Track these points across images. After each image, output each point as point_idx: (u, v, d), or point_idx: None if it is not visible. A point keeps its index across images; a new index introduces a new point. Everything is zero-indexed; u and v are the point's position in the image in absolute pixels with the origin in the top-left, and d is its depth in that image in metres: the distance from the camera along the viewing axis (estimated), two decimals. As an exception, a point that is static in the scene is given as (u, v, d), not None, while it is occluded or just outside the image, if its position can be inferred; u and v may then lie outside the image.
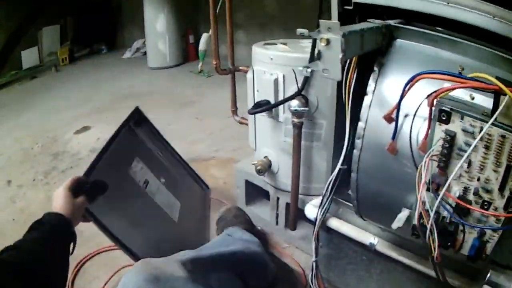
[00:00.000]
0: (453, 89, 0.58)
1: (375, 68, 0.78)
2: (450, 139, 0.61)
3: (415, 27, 0.78)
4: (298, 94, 1.06)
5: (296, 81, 1.05)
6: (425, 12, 0.78)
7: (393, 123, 0.72)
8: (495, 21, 0.69)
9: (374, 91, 0.77)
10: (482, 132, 0.57)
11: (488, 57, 0.69)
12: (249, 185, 1.35)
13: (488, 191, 0.62)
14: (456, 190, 0.65)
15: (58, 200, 0.77)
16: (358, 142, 0.81)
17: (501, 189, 0.60)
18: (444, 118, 0.62)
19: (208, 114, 2.53)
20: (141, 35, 4.33)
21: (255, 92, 1.17)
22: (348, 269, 1.03)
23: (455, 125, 0.61)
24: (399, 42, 0.79)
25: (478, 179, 0.62)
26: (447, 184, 0.63)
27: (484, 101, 0.61)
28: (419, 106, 0.67)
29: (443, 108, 0.61)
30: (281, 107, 1.13)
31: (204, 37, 1.67)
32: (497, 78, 0.54)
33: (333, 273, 1.05)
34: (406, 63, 0.76)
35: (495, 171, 0.60)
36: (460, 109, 0.60)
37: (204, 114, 2.55)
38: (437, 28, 0.79)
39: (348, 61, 0.84)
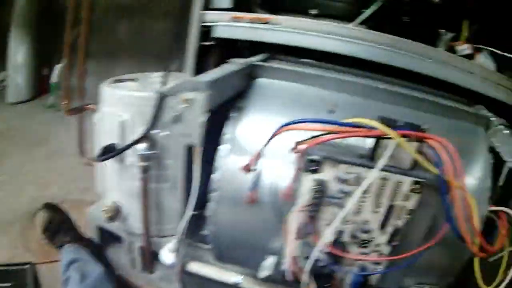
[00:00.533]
0: (327, 140, 0.57)
1: (232, 114, 0.72)
2: (321, 189, 0.60)
3: (283, 61, 0.77)
4: (145, 136, 0.92)
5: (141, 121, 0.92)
6: (290, 45, 0.77)
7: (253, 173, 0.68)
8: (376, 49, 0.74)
9: (231, 139, 0.72)
10: (364, 185, 0.57)
11: (365, 91, 0.71)
12: (102, 230, 1.21)
13: (366, 232, 0.63)
14: (329, 234, 0.64)
15: None
16: (214, 195, 0.75)
17: (383, 227, 0.63)
18: (312, 168, 0.60)
19: (60, 153, 2.25)
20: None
21: (102, 134, 1.05)
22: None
23: (327, 174, 0.60)
24: (259, 81, 0.77)
25: (355, 222, 0.63)
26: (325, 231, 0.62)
27: (359, 139, 0.61)
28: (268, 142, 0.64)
29: (312, 158, 0.59)
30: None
31: (57, 68, 1.44)
32: (381, 119, 0.55)
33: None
34: (268, 106, 0.74)
35: (375, 212, 0.61)
36: (333, 156, 0.59)
37: (57, 153, 2.28)
38: (307, 60, 0.79)
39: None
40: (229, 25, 0.84)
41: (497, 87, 0.85)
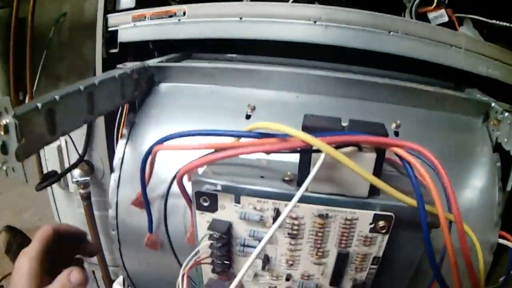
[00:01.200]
0: (212, 161, 0.36)
1: (124, 131, 0.53)
2: (221, 235, 0.39)
3: (202, 59, 0.57)
4: (80, 161, 0.88)
5: (75, 146, 0.88)
6: (209, 38, 0.57)
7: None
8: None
9: (121, 165, 0.50)
10: (278, 222, 0.37)
11: (304, 83, 0.51)
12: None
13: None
14: None
15: None
16: (113, 234, 0.54)
17: (336, 283, 0.40)
18: (206, 204, 0.39)
19: (35, 178, 2.15)
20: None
21: (46, 161, 1.04)
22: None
23: (228, 212, 0.39)
24: (163, 87, 0.56)
25: (289, 278, 0.41)
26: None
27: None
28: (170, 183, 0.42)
29: (202, 190, 0.38)
30: (69, 176, 0.96)
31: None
32: (310, 119, 0.35)
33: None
34: (171, 116, 0.52)
35: (317, 263, 0.39)
36: (233, 185, 0.37)
37: (32, 178, 2.20)
38: (233, 55, 0.58)
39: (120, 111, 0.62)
40: (130, 27, 0.66)
41: (491, 63, 0.63)
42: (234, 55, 0.63)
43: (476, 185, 0.50)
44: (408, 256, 0.39)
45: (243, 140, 0.38)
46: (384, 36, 0.57)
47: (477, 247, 0.42)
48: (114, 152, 0.56)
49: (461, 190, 0.50)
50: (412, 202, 0.34)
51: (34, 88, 1.20)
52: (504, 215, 0.51)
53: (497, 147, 0.53)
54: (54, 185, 1.03)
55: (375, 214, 0.36)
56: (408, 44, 0.58)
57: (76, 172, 0.87)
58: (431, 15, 0.67)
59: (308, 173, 0.34)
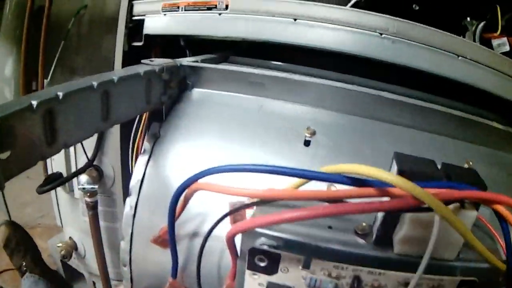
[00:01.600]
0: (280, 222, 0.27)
1: (146, 146, 0.42)
2: None
3: (242, 64, 0.47)
4: (89, 166, 0.79)
5: (83, 149, 0.77)
6: (255, 40, 0.47)
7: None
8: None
9: (140, 188, 0.40)
10: None
11: (365, 102, 0.41)
12: (67, 266, 1.14)
13: None
14: None
15: None
16: (124, 270, 0.43)
17: None
18: (262, 265, 0.29)
19: (40, 172, 2.10)
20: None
21: (52, 161, 0.99)
22: None
23: (291, 277, 0.29)
24: (198, 93, 0.46)
25: None
26: None
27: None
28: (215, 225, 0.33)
29: (260, 247, 0.28)
30: (75, 181, 0.87)
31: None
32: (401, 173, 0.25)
33: None
34: (207, 133, 0.43)
35: None
36: (303, 242, 0.28)
37: (36, 172, 2.13)
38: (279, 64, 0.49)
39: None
40: (160, 17, 0.56)
41: None
42: (281, 64, 0.53)
43: None
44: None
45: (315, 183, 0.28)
46: (453, 60, 0.47)
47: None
48: (128, 159, 0.47)
49: None
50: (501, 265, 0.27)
51: (48, 80, 1.12)
52: None
53: None
54: (59, 189, 0.97)
55: (461, 281, 0.27)
56: (475, 72, 0.48)
57: (83, 178, 0.78)
58: (495, 42, 0.57)
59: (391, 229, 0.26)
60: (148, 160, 0.44)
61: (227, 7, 0.49)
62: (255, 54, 0.58)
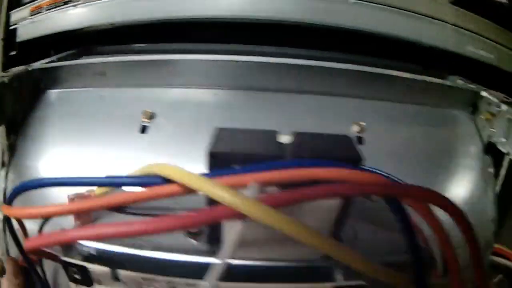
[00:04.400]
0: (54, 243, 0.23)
1: (3, 161, 0.40)
2: None
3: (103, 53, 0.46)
4: None
5: None
6: (106, 24, 0.44)
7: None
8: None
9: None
10: None
11: (215, 71, 0.37)
12: None
13: None
14: None
15: None
16: None
17: None
18: (78, 277, 0.25)
19: None
20: None
21: None
22: None
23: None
24: (51, 94, 0.42)
25: None
26: None
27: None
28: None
29: (68, 260, 0.25)
30: None
31: None
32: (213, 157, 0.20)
33: None
34: (58, 135, 0.39)
35: None
36: (107, 251, 0.24)
37: None
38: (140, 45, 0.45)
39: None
40: (28, 22, 0.52)
41: (485, 43, 0.51)
42: (144, 45, 0.49)
43: (461, 197, 0.39)
44: None
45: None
46: (339, 5, 0.43)
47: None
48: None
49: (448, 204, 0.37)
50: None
51: None
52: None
53: (490, 148, 0.42)
54: None
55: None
56: (372, 16, 0.44)
57: None
58: None
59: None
60: (7, 174, 0.41)
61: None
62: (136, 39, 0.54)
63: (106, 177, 0.23)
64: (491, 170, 0.41)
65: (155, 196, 0.21)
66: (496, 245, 0.42)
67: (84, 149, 0.36)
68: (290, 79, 0.38)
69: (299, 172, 0.18)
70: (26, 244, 0.24)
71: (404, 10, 0.45)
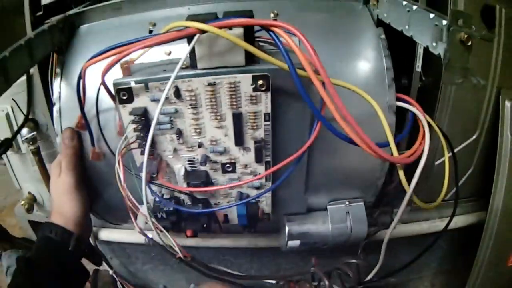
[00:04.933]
0: (116, 62, 0.47)
1: (57, 70, 0.64)
2: (140, 118, 0.50)
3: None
4: (26, 121, 0.93)
5: (19, 108, 0.93)
6: None
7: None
8: None
9: (59, 98, 0.63)
10: (165, 92, 0.44)
11: None
12: (35, 224, 1.24)
13: (223, 153, 0.54)
14: (180, 167, 0.55)
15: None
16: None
17: (239, 143, 0.52)
18: (125, 98, 0.50)
19: None
20: None
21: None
22: (147, 269, 1.02)
23: (142, 100, 0.50)
24: (83, 29, 0.66)
25: (201, 145, 0.53)
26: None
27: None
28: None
29: (120, 87, 0.49)
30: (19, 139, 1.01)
31: None
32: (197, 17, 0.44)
33: (135, 276, 1.03)
34: (92, 51, 0.61)
35: (219, 127, 0.51)
36: (142, 78, 0.49)
37: None
38: None
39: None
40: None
41: None
42: None
43: (364, 56, 0.60)
44: (297, 114, 0.52)
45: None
46: None
47: (374, 106, 0.53)
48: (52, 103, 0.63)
49: (349, 62, 0.60)
50: (282, 64, 0.44)
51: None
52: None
53: (380, 23, 0.62)
54: (9, 153, 1.06)
55: (253, 76, 0.46)
56: None
57: (24, 131, 0.93)
58: None
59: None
60: (61, 79, 0.64)
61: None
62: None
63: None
64: (383, 36, 0.61)
65: (178, 36, 0.44)
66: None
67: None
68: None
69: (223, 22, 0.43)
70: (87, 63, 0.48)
71: None
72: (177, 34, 0.44)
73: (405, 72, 0.70)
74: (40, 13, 0.76)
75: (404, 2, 0.52)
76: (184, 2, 0.63)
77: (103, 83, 0.50)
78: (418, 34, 0.49)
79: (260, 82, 0.48)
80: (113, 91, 0.49)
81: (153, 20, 0.61)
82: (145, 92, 0.49)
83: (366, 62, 0.61)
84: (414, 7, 0.49)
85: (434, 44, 0.44)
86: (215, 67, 0.47)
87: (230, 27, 0.43)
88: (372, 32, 0.62)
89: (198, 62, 0.47)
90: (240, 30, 0.44)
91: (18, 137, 0.94)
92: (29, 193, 1.14)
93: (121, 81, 0.48)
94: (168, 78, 0.44)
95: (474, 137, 0.75)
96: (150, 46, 0.45)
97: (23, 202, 1.12)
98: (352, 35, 0.62)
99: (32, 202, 1.12)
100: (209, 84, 0.48)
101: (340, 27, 0.63)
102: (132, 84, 0.48)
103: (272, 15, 0.61)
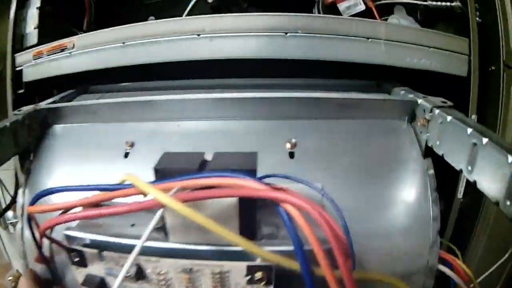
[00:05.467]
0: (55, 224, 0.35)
1: (20, 182, 0.51)
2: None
3: (99, 93, 0.57)
4: (13, 202, 0.81)
5: (6, 190, 0.88)
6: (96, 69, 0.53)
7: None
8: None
9: (22, 215, 0.50)
10: (123, 272, 0.29)
11: (177, 107, 0.47)
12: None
13: None
14: None
15: None
16: None
17: None
18: (77, 260, 0.36)
19: None
20: None
21: None
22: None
23: (97, 267, 0.36)
24: (56, 129, 0.53)
25: None
26: None
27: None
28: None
29: (70, 246, 0.36)
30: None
31: None
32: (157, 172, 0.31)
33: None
34: (61, 161, 0.50)
35: None
36: (95, 239, 0.35)
37: None
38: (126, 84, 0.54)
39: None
40: (32, 65, 0.62)
41: (424, 51, 0.57)
42: (129, 84, 0.59)
43: (403, 200, 0.45)
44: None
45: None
46: (280, 39, 0.51)
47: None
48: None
49: (383, 208, 0.44)
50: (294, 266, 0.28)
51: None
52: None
53: (429, 152, 0.47)
54: None
55: (248, 266, 0.31)
56: (309, 44, 0.52)
57: (9, 213, 0.88)
58: (341, 6, 0.61)
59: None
60: (24, 191, 0.51)
61: (74, 45, 0.55)
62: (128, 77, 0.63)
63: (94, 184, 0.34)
64: (431, 171, 0.45)
65: (123, 195, 0.32)
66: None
67: (81, 169, 0.46)
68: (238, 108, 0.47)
69: (203, 180, 0.28)
70: (42, 225, 0.34)
71: (339, 35, 0.53)
72: (132, 208, 0.29)
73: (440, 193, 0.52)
74: (21, 91, 0.68)
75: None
76: (172, 115, 0.47)
77: (49, 238, 0.37)
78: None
79: (258, 275, 0.32)
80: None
81: (133, 135, 0.47)
82: (100, 261, 0.35)
83: (405, 208, 0.44)
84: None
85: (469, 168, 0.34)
86: (194, 243, 0.32)
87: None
88: (416, 165, 0.46)
89: (170, 233, 0.32)
90: (232, 202, 0.29)
91: (9, 214, 0.87)
92: (17, 271, 1.07)
93: (73, 235, 0.35)
94: (129, 249, 0.30)
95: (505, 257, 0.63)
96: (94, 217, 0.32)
97: (10, 278, 1.05)
98: (390, 168, 0.46)
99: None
100: (184, 271, 0.33)
101: (375, 157, 0.47)
102: (85, 243, 0.34)
103: (288, 145, 0.45)
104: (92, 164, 0.46)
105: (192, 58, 0.50)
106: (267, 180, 0.30)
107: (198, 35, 0.50)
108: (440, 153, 0.43)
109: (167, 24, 0.50)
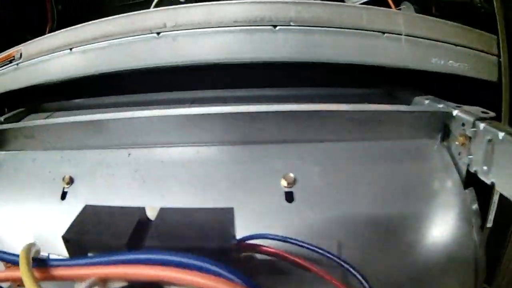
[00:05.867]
0: None
1: None
2: None
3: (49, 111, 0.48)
4: None
5: None
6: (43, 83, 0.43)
7: None
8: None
9: None
10: None
11: (127, 128, 0.35)
12: None
13: None
14: None
15: None
16: None
17: None
18: None
19: None
20: None
21: None
22: None
23: None
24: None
25: None
26: None
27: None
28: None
29: None
30: None
31: None
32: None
33: None
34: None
35: None
36: None
37: None
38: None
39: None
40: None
41: (452, 50, 0.45)
42: (84, 100, 0.49)
43: (439, 244, 0.33)
44: None
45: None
46: (267, 34, 0.38)
47: None
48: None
49: (414, 252, 0.33)
50: None
51: None
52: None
53: (471, 180, 0.35)
54: None
55: None
56: (304, 41, 0.39)
57: None
58: None
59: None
60: None
61: (21, 55, 0.46)
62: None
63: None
64: (475, 206, 0.34)
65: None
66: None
67: (12, 213, 0.35)
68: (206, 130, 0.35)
69: (125, 269, 0.16)
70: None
71: (345, 29, 0.40)
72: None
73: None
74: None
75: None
76: (122, 139, 0.35)
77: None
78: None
79: None
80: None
81: (74, 167, 0.35)
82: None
83: (442, 253, 0.32)
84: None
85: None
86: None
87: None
88: (456, 198, 0.34)
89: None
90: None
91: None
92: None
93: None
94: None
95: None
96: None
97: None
98: (419, 203, 0.34)
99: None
100: None
101: (399, 196, 0.34)
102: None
103: (284, 182, 0.31)
104: (24, 206, 0.35)
105: (150, 65, 0.38)
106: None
107: (158, 33, 0.38)
108: (488, 181, 0.32)
109: (118, 21, 0.39)
